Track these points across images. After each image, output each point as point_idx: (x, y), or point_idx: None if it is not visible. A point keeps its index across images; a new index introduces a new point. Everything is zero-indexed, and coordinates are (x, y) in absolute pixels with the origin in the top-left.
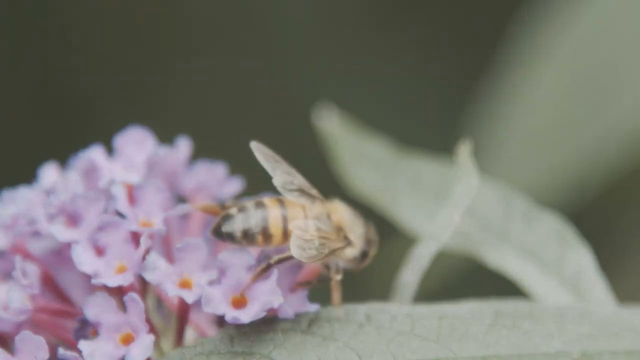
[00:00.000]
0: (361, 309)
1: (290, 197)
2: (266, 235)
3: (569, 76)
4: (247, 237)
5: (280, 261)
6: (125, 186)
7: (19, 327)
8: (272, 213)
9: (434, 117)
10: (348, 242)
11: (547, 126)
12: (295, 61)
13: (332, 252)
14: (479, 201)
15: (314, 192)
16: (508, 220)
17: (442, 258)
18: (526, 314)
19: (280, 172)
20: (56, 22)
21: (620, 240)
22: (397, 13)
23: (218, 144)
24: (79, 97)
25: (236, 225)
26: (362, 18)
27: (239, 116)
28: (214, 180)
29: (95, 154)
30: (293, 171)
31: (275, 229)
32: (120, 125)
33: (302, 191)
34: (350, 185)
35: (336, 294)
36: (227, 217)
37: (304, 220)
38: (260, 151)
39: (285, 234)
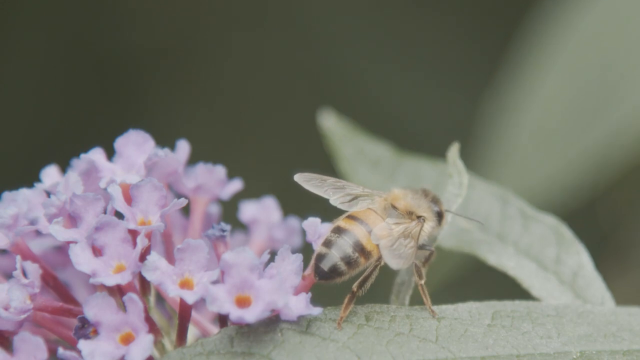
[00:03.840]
0: (360, 310)
1: (354, 209)
2: (365, 253)
3: (576, 75)
4: (350, 264)
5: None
6: (122, 186)
7: (20, 326)
8: (357, 231)
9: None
10: (423, 220)
11: (553, 126)
12: (326, 42)
13: (418, 239)
14: (477, 202)
15: (368, 190)
16: (506, 221)
17: (440, 258)
18: (525, 314)
19: (333, 191)
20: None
21: (618, 239)
22: (407, 13)
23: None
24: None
25: (335, 258)
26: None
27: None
28: (214, 181)
29: (95, 155)
30: (341, 181)
31: (369, 244)
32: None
33: (358, 196)
34: None
35: (425, 298)
36: (321, 257)
37: (381, 225)
38: (306, 181)
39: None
